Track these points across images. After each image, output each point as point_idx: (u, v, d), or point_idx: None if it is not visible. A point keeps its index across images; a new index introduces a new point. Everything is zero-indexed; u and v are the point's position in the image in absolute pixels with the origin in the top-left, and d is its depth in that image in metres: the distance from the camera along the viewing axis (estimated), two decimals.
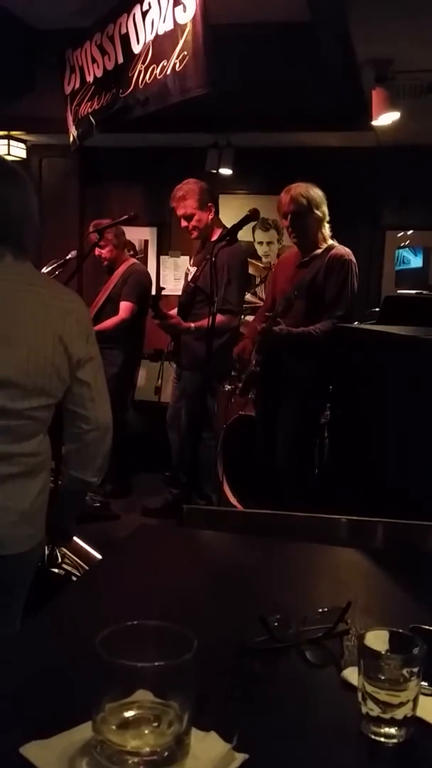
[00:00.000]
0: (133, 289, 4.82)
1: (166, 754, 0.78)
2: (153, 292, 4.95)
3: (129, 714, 0.80)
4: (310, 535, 1.70)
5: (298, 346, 3.70)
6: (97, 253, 4.79)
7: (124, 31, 4.30)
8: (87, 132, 4.93)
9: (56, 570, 2.70)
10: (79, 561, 2.78)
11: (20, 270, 1.79)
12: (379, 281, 6.26)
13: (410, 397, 2.50)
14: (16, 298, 1.75)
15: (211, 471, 4.42)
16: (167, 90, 3.89)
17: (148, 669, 0.79)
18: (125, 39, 4.30)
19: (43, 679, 1.00)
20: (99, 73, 4.69)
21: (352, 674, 0.97)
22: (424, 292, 5.19)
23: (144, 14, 4.08)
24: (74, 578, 2.65)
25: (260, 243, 6.50)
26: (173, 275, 6.59)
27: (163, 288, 5.15)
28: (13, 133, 6.01)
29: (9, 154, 6.01)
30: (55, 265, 4.33)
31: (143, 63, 4.12)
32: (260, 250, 6.50)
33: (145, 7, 4.06)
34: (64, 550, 2.80)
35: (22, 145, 6.19)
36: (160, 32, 3.93)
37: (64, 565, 2.74)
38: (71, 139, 5.19)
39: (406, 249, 6.15)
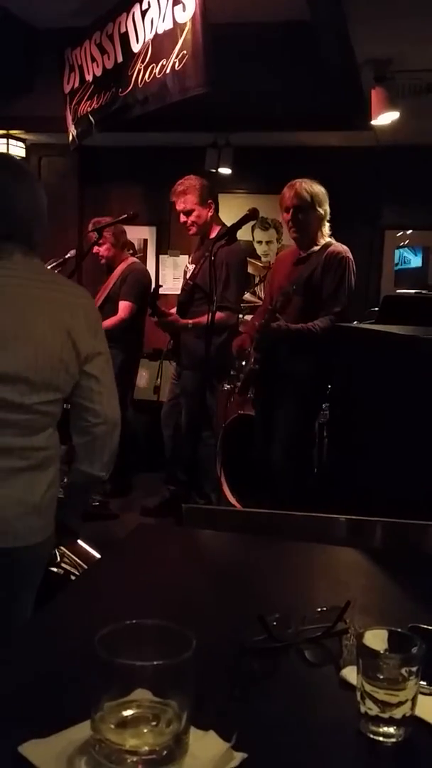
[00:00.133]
0: (132, 288, 4.82)
1: (165, 753, 0.79)
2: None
3: (128, 713, 0.80)
4: (309, 535, 1.70)
5: (296, 342, 3.71)
6: (95, 251, 4.79)
7: (123, 30, 4.29)
8: (86, 131, 4.93)
9: (55, 569, 2.69)
10: (78, 560, 2.78)
11: (29, 267, 1.82)
12: (378, 281, 6.26)
13: (409, 397, 2.50)
14: (25, 294, 1.78)
15: (210, 470, 4.42)
16: (167, 89, 3.89)
17: (147, 668, 0.79)
18: (125, 38, 4.30)
19: (42, 678, 1.00)
20: (98, 72, 4.69)
21: (350, 673, 0.97)
22: (423, 291, 5.20)
23: (143, 13, 4.08)
24: (73, 577, 2.65)
25: (259, 242, 6.50)
26: (172, 274, 6.59)
27: (160, 286, 5.15)
28: (12, 132, 6.01)
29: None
30: (54, 264, 4.32)
31: (143, 62, 4.12)
32: (259, 249, 6.50)
33: (145, 6, 4.05)
34: (63, 549, 2.80)
35: (22, 144, 6.19)
36: (160, 31, 3.93)
37: (63, 565, 2.74)
38: (70, 138, 5.19)
39: (407, 248, 6.16)
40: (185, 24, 3.69)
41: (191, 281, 4.38)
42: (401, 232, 6.20)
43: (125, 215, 4.38)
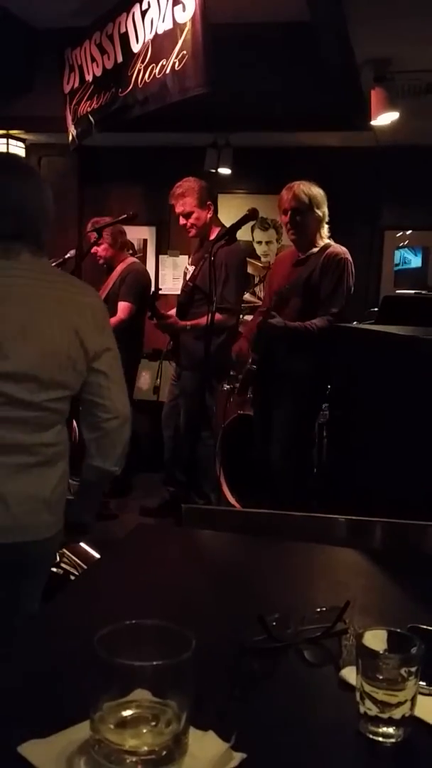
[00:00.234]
0: (130, 288, 4.80)
1: (164, 753, 0.78)
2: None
3: (127, 713, 0.80)
4: (308, 535, 1.70)
5: (294, 340, 3.71)
6: (93, 251, 4.78)
7: (123, 30, 4.29)
8: (86, 131, 4.93)
9: (55, 569, 2.69)
10: (77, 560, 2.78)
11: (37, 266, 1.85)
12: (378, 281, 6.26)
13: (409, 398, 2.50)
14: (33, 293, 1.81)
15: (209, 470, 4.42)
16: (166, 89, 3.88)
17: (147, 668, 0.79)
18: (124, 38, 4.30)
19: (41, 678, 1.00)
20: (98, 73, 4.68)
21: (350, 674, 0.97)
22: (423, 292, 5.20)
23: (143, 13, 4.08)
24: (72, 577, 2.65)
25: (259, 242, 6.50)
26: (172, 275, 6.59)
27: (160, 289, 5.15)
28: (12, 132, 6.00)
29: None
30: (54, 264, 4.32)
31: (142, 62, 4.12)
32: (259, 249, 6.50)
33: (145, 6, 4.05)
34: (63, 549, 2.80)
35: (21, 144, 6.18)
36: (160, 31, 3.93)
37: (63, 565, 2.74)
38: (70, 138, 5.18)
39: (407, 249, 6.16)
40: (185, 24, 3.69)
41: (191, 282, 4.38)
42: (401, 233, 6.20)
43: (125, 215, 4.38)
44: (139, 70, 4.15)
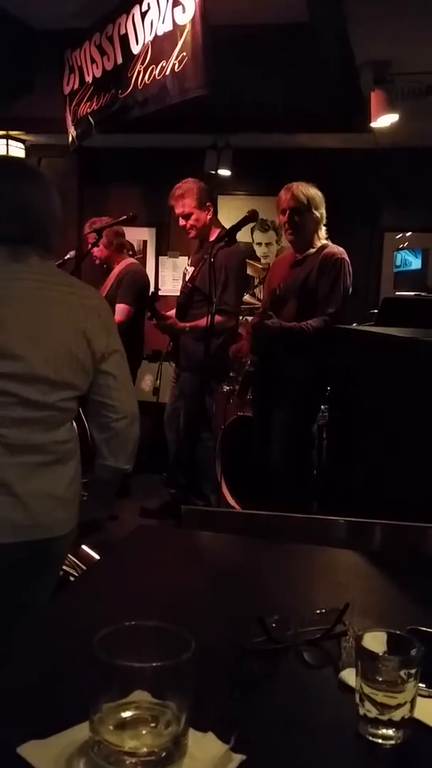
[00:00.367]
0: (127, 290, 4.77)
1: (164, 754, 0.78)
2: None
3: (126, 714, 0.80)
4: (308, 537, 1.70)
5: (290, 341, 3.71)
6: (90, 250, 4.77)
7: (123, 31, 4.30)
8: (86, 132, 4.93)
9: None
10: (77, 561, 2.78)
11: (45, 270, 1.89)
12: (378, 283, 6.27)
13: (409, 399, 2.50)
14: (43, 296, 1.84)
15: (209, 472, 4.42)
16: (166, 91, 3.89)
17: (146, 669, 0.79)
18: (124, 39, 4.30)
19: (41, 679, 1.00)
20: (98, 74, 4.69)
21: (349, 675, 0.97)
22: (423, 293, 5.20)
23: (143, 15, 4.08)
24: (72, 579, 2.65)
25: (259, 244, 6.50)
26: (172, 276, 6.59)
27: (159, 289, 5.14)
28: (11, 133, 6.01)
29: (8, 154, 6.01)
30: (52, 262, 4.31)
31: (142, 63, 4.12)
32: (259, 251, 6.50)
33: (144, 7, 4.05)
34: None
35: (21, 145, 6.19)
36: (159, 33, 3.93)
37: (63, 566, 2.74)
38: (70, 139, 5.19)
39: (407, 251, 6.15)
40: (185, 26, 3.69)
41: (190, 283, 4.38)
42: (400, 234, 6.20)
43: (124, 216, 4.38)
44: (139, 72, 4.15)
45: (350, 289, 3.80)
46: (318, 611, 1.16)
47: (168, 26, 3.84)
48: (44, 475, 1.84)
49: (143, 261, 6.67)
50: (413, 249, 6.15)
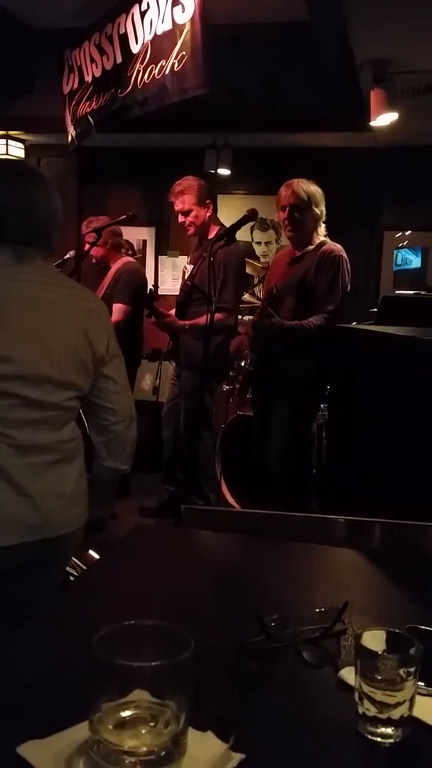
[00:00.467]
0: (124, 289, 4.76)
1: (163, 753, 0.79)
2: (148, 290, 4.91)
3: (126, 714, 0.80)
4: (307, 536, 1.70)
5: (290, 339, 3.71)
6: (85, 250, 4.75)
7: (122, 31, 4.29)
8: (85, 132, 4.93)
9: None
10: (76, 561, 2.78)
11: (48, 271, 1.93)
12: (377, 282, 6.27)
13: (408, 398, 2.50)
14: (46, 298, 1.87)
15: (209, 471, 4.42)
16: (166, 90, 3.89)
17: (145, 669, 0.79)
18: (124, 39, 4.30)
19: (41, 679, 1.00)
20: (97, 73, 4.69)
21: (349, 674, 0.97)
22: (422, 292, 5.20)
23: (143, 14, 4.08)
24: (72, 578, 2.65)
25: (258, 243, 6.50)
26: (171, 275, 6.59)
27: (156, 287, 5.12)
28: (11, 132, 6.01)
29: (7, 154, 6.01)
30: (54, 265, 4.31)
31: (142, 63, 4.12)
32: (258, 250, 6.50)
33: (144, 7, 4.05)
34: None
35: (21, 145, 6.19)
36: (159, 32, 3.93)
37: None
38: (70, 138, 5.19)
39: (407, 249, 6.15)
40: (184, 25, 3.69)
41: (189, 282, 4.38)
42: (400, 233, 6.20)
43: (124, 216, 4.38)
44: (139, 71, 4.15)
45: (348, 287, 3.80)
46: (317, 610, 1.16)
47: (167, 25, 3.84)
48: (53, 473, 1.87)
49: (143, 260, 6.67)
50: (413, 247, 6.15)
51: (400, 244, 6.19)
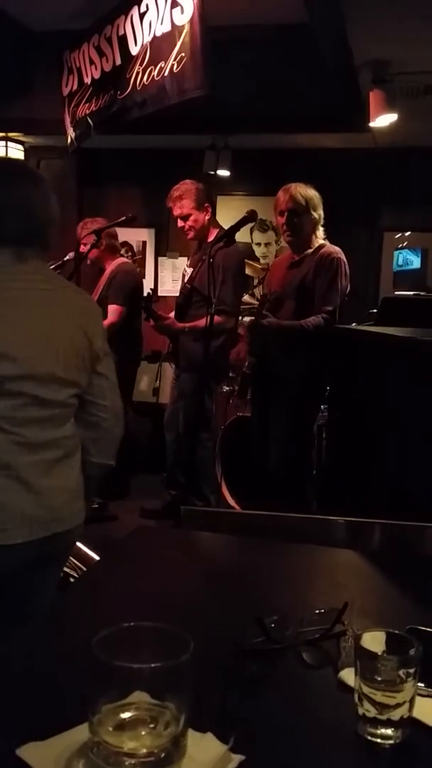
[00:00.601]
0: (118, 290, 4.74)
1: (163, 755, 0.78)
2: (144, 290, 4.91)
3: (126, 715, 0.80)
4: (307, 536, 1.70)
5: (289, 340, 3.71)
6: (81, 251, 4.74)
7: (121, 32, 4.30)
8: (85, 133, 4.93)
9: None
10: (76, 562, 2.78)
11: (47, 271, 1.97)
12: (377, 282, 6.27)
13: (408, 398, 2.50)
14: (49, 298, 1.90)
15: (209, 472, 4.42)
16: (165, 91, 3.89)
17: (145, 670, 0.79)
18: (123, 41, 4.30)
19: (40, 680, 1.00)
20: (97, 75, 4.69)
21: (348, 675, 0.97)
22: (422, 293, 5.19)
23: (142, 16, 4.08)
24: (72, 579, 2.65)
25: (258, 244, 6.50)
26: (171, 276, 6.59)
27: (156, 289, 5.12)
28: (10, 134, 6.01)
29: (8, 157, 6.01)
30: (54, 266, 4.31)
31: (141, 65, 4.12)
32: (258, 251, 6.51)
33: (143, 8, 4.05)
34: None
35: (20, 147, 6.19)
36: (158, 34, 3.93)
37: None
38: (69, 140, 5.18)
39: (408, 250, 6.15)
40: (183, 26, 3.69)
41: (189, 284, 4.38)
42: (399, 234, 6.21)
43: (123, 218, 4.38)
44: (138, 73, 4.15)
45: (348, 288, 3.80)
46: (317, 611, 1.16)
47: (166, 27, 3.84)
48: (58, 469, 1.90)
49: (142, 262, 6.67)
50: (413, 248, 6.15)
51: (400, 245, 6.19)
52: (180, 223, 4.39)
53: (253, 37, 4.85)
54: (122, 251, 6.37)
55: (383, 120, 4.46)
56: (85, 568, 2.70)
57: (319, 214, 3.78)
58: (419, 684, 0.89)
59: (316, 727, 0.92)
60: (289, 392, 3.78)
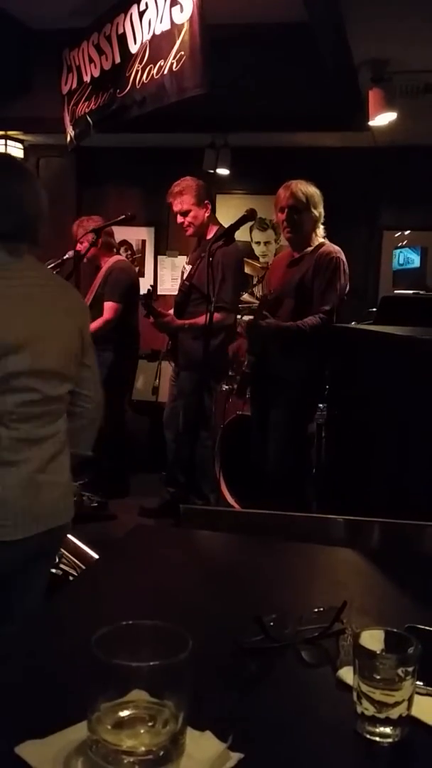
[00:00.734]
0: (113, 288, 4.76)
1: (162, 753, 0.78)
2: (142, 288, 4.91)
3: (124, 713, 0.80)
4: (306, 535, 1.70)
5: (286, 340, 3.71)
6: (78, 249, 4.74)
7: (121, 31, 4.29)
8: (84, 132, 4.93)
9: (54, 570, 2.70)
10: (76, 561, 2.78)
11: (38, 266, 1.97)
12: (376, 281, 6.27)
13: (408, 397, 2.50)
14: (47, 296, 1.93)
15: (208, 471, 4.42)
16: (164, 90, 3.89)
17: (144, 668, 0.79)
18: (122, 39, 4.30)
19: (39, 679, 1.00)
20: (96, 73, 4.68)
21: (347, 674, 0.97)
22: (421, 292, 5.20)
23: (141, 14, 4.08)
24: (71, 578, 2.65)
25: (257, 243, 6.50)
26: (171, 275, 6.59)
27: (155, 287, 5.11)
28: (10, 133, 6.01)
29: None
30: (53, 264, 4.30)
31: (140, 63, 4.12)
32: (257, 249, 6.50)
33: (143, 7, 4.05)
34: (62, 550, 2.80)
35: (20, 145, 6.19)
36: (157, 32, 3.93)
37: (62, 566, 2.74)
38: (68, 139, 5.18)
39: (408, 249, 6.15)
40: (183, 25, 3.69)
41: (188, 282, 4.38)
42: (399, 233, 6.20)
43: (122, 216, 4.38)
44: (137, 71, 4.15)
45: (347, 288, 3.80)
46: (316, 610, 1.16)
47: (166, 25, 3.84)
48: (54, 464, 1.92)
49: (142, 260, 6.67)
50: (413, 246, 6.15)
51: (400, 244, 6.19)
52: (179, 219, 4.39)
53: (252, 36, 4.85)
54: (122, 250, 6.38)
55: (383, 119, 4.46)
56: (84, 567, 2.71)
57: (319, 211, 3.78)
58: (418, 682, 0.89)
59: (314, 725, 0.92)
60: (288, 392, 3.78)
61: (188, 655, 0.80)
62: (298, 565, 1.53)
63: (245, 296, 4.67)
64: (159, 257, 6.70)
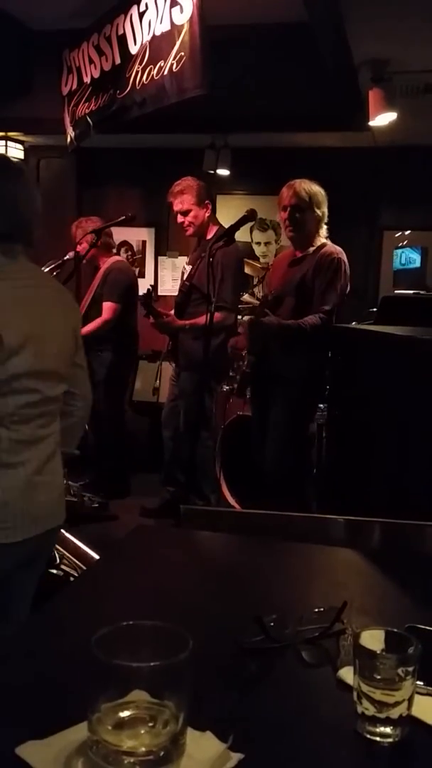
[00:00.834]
0: (112, 288, 4.77)
1: (162, 754, 0.78)
2: (141, 288, 4.91)
3: (125, 714, 0.80)
4: (307, 535, 1.70)
5: (287, 339, 3.71)
6: (78, 250, 4.75)
7: (121, 32, 4.30)
8: (84, 133, 4.93)
9: (54, 570, 2.70)
10: (77, 561, 2.78)
11: (33, 267, 1.98)
12: (377, 282, 6.27)
13: (408, 397, 2.50)
14: (45, 297, 1.94)
15: (209, 471, 4.42)
16: (164, 91, 3.89)
17: (144, 669, 0.79)
18: (122, 40, 4.30)
19: (40, 679, 1.00)
20: (96, 74, 4.69)
21: (347, 674, 0.97)
22: (422, 292, 5.20)
23: (141, 15, 4.08)
24: (72, 579, 2.65)
25: (258, 243, 6.50)
26: (171, 276, 6.59)
27: (155, 288, 5.11)
28: (10, 134, 6.01)
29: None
30: (54, 265, 4.31)
31: (140, 64, 4.12)
32: (258, 250, 6.50)
33: (143, 8, 4.05)
34: (63, 550, 2.81)
35: (20, 146, 6.19)
36: (157, 33, 3.93)
37: (62, 566, 2.75)
38: (68, 140, 5.18)
39: (409, 249, 6.15)
40: (183, 26, 3.69)
41: (188, 282, 4.38)
42: (399, 233, 6.20)
43: (122, 217, 4.38)
44: (137, 72, 4.15)
45: (348, 288, 3.80)
46: (316, 610, 1.16)
47: (166, 26, 3.84)
48: (50, 465, 1.93)
49: (142, 261, 6.67)
50: (414, 246, 6.15)
51: (400, 244, 6.19)
52: (180, 218, 4.39)
53: (252, 36, 4.85)
54: (122, 250, 6.38)
55: (383, 119, 4.46)
56: (85, 567, 2.71)
57: (322, 211, 3.77)
58: (418, 682, 0.89)
59: (315, 725, 0.92)
60: (288, 390, 3.78)
61: (188, 655, 0.80)
62: (298, 566, 1.53)
63: (245, 296, 4.67)
64: (159, 258, 6.70)
